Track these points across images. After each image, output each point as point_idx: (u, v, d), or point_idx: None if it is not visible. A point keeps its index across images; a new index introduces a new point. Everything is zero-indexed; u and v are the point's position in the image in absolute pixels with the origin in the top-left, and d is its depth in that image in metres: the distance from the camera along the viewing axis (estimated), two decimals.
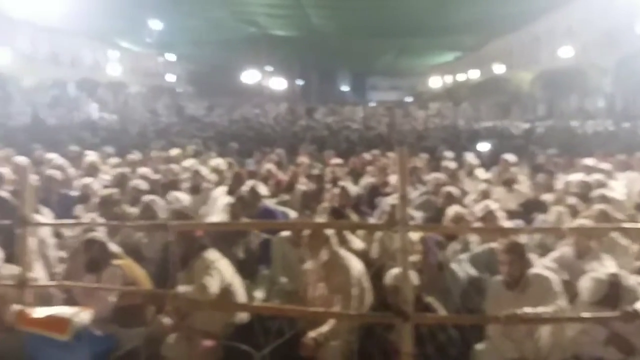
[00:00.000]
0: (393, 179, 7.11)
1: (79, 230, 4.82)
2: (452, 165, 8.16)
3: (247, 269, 4.72)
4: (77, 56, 35.50)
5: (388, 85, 56.44)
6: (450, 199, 5.91)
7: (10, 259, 4.02)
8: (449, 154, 9.46)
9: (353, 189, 6.28)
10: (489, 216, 5.04)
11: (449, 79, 44.64)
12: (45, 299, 4.00)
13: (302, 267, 4.34)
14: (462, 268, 4.48)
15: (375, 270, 4.55)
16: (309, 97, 47.59)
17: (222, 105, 36.11)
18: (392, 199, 5.35)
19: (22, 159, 7.74)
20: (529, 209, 6.32)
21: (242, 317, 4.09)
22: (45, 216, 5.41)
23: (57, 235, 5.31)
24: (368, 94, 56.31)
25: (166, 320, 4.03)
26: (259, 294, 4.72)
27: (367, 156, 9.78)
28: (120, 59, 39.70)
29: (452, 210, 5.23)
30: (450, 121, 23.93)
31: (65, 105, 30.16)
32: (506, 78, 27.61)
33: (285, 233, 4.97)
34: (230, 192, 6.51)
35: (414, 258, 4.00)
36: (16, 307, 3.66)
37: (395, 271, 3.54)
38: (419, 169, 8.27)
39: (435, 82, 48.06)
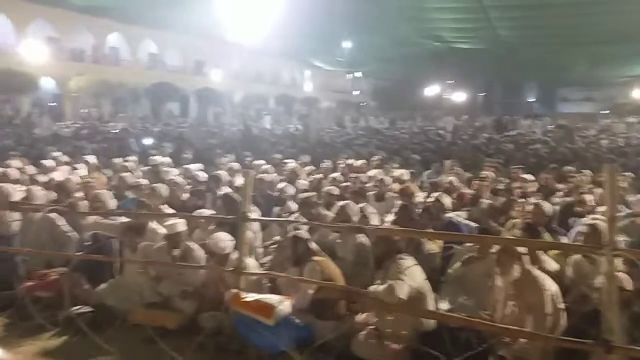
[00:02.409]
0: (589, 197, 6.68)
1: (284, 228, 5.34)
2: None
3: (432, 279, 4.77)
4: (277, 74, 40.07)
5: (581, 96, 52.08)
6: None
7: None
8: None
9: (547, 207, 5.99)
10: None
11: None
12: (254, 286, 4.47)
13: (484, 281, 4.27)
14: None
15: (570, 294, 4.31)
16: (490, 109, 45.96)
17: (404, 118, 36.84)
18: (591, 219, 5.01)
19: (235, 165, 8.99)
20: None
21: (431, 324, 4.13)
22: (254, 213, 6.11)
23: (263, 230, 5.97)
24: (558, 105, 52.43)
25: (358, 318, 4.30)
26: (444, 305, 4.75)
27: (559, 172, 9.24)
28: (313, 77, 43.59)
29: None
30: None
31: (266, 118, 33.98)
32: None
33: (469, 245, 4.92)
34: None
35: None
36: (232, 290, 4.17)
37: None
38: (622, 188, 7.57)
39: (638, 94, 43.07)
